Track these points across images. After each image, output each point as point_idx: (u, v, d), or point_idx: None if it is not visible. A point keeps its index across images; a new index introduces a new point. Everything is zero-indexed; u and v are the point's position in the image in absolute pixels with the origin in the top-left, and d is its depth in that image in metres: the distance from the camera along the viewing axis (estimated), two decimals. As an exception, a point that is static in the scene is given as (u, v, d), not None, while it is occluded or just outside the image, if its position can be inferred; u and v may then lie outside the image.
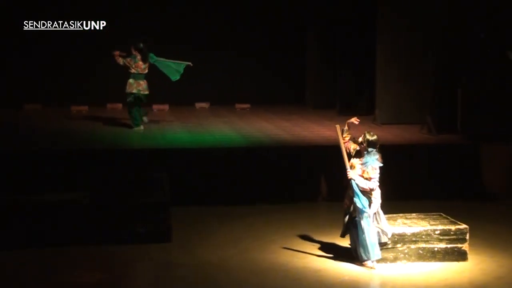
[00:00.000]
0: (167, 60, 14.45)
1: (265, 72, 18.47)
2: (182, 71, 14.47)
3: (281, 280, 8.41)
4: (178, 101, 18.01)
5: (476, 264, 8.92)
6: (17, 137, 13.56)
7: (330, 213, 11.04)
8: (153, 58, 14.23)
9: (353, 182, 8.60)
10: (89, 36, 17.18)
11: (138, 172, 11.43)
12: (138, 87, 14.13)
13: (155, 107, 17.77)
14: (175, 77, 14.52)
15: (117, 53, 14.10)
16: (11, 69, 17.54)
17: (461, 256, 8.95)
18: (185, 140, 13.27)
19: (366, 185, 8.58)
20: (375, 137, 8.71)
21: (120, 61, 14.08)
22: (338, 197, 11.53)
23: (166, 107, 17.84)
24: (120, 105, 18.03)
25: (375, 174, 8.60)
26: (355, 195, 8.58)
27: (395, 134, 13.70)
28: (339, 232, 9.33)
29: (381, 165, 8.65)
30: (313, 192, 12.07)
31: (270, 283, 8.34)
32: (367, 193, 8.60)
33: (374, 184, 8.61)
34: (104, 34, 16.99)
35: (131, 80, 14.15)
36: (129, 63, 14.05)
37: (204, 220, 10.86)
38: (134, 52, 14.10)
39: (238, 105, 17.98)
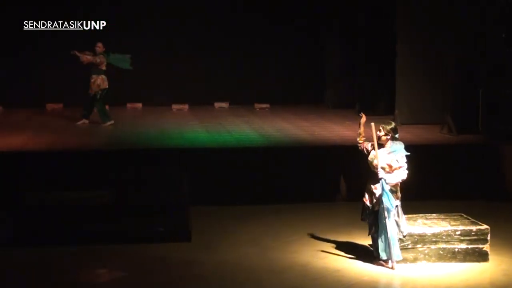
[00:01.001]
0: (115, 54, 14.91)
1: (284, 72, 18.50)
2: (129, 60, 14.94)
3: (300, 280, 8.37)
4: (198, 100, 18.07)
5: (497, 265, 8.83)
6: (41, 137, 13.60)
7: (349, 213, 10.95)
8: (109, 54, 14.69)
9: (383, 181, 8.52)
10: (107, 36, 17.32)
11: (157, 172, 11.46)
12: (107, 82, 14.67)
13: (175, 106, 17.84)
14: (127, 66, 14.94)
15: (81, 53, 14.51)
16: (33, 69, 17.67)
17: (482, 257, 8.86)
18: (205, 140, 13.28)
19: (399, 178, 8.47)
20: (393, 123, 8.71)
21: (96, 59, 14.47)
22: (357, 197, 11.52)
23: (185, 106, 17.89)
24: (140, 105, 18.16)
25: (404, 161, 8.53)
26: (384, 194, 8.48)
27: (415, 134, 13.62)
28: (359, 232, 9.30)
29: (408, 153, 8.59)
30: (332, 192, 12.02)
31: (289, 282, 8.30)
32: (392, 188, 8.54)
33: (405, 173, 8.50)
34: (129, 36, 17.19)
35: (104, 76, 14.59)
36: (102, 61, 14.49)
37: (223, 220, 10.86)
38: (103, 50, 14.54)
39: (257, 105, 18.00)
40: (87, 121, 14.89)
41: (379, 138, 8.65)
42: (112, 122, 14.75)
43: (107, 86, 14.60)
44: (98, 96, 14.59)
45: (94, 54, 14.54)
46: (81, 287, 8.33)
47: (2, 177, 11.32)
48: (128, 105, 18.03)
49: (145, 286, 8.34)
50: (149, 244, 9.66)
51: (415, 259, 8.81)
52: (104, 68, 14.55)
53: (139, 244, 9.66)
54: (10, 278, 8.54)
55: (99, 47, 14.57)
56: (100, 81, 14.49)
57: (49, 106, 17.83)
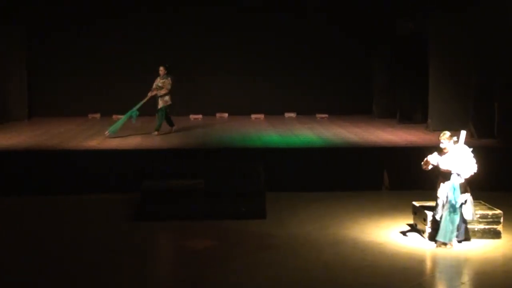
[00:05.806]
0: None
1: (340, 88, 18.35)
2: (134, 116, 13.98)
3: (351, 250, 8.50)
4: (272, 111, 18.17)
5: (508, 241, 8.82)
6: (151, 138, 13.84)
7: (391, 199, 11.15)
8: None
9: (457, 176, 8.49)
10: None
11: (241, 166, 11.59)
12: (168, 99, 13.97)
13: (254, 116, 17.97)
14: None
15: (152, 91, 13.85)
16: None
17: (496, 235, 8.86)
18: (277, 142, 13.39)
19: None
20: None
21: (154, 92, 13.77)
22: (398, 187, 11.65)
23: (262, 116, 18.05)
24: (226, 114, 18.39)
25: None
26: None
27: (444, 138, 13.46)
28: (399, 214, 9.34)
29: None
30: (378, 182, 12.05)
31: (343, 252, 8.43)
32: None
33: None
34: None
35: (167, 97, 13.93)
36: (163, 86, 13.80)
37: (292, 203, 10.93)
38: (164, 73, 13.85)
39: (318, 115, 17.97)
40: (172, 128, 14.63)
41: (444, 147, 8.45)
42: (156, 133, 14.10)
43: (170, 103, 14.02)
44: (164, 110, 14.11)
45: (159, 76, 13.85)
46: (183, 252, 8.64)
47: (124, 168, 11.75)
48: (217, 114, 18.32)
49: (231, 252, 8.54)
50: (234, 220, 9.86)
51: (442, 236, 8.85)
52: (168, 88, 13.83)
53: (227, 220, 9.88)
54: (133, 246, 8.90)
55: (161, 70, 13.80)
56: (168, 98, 13.98)
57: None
